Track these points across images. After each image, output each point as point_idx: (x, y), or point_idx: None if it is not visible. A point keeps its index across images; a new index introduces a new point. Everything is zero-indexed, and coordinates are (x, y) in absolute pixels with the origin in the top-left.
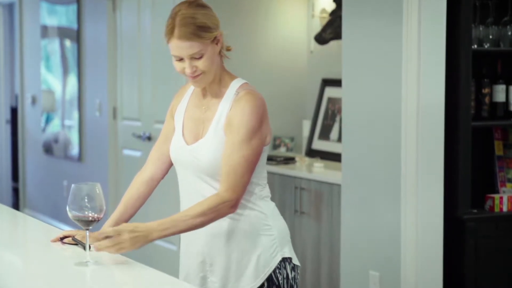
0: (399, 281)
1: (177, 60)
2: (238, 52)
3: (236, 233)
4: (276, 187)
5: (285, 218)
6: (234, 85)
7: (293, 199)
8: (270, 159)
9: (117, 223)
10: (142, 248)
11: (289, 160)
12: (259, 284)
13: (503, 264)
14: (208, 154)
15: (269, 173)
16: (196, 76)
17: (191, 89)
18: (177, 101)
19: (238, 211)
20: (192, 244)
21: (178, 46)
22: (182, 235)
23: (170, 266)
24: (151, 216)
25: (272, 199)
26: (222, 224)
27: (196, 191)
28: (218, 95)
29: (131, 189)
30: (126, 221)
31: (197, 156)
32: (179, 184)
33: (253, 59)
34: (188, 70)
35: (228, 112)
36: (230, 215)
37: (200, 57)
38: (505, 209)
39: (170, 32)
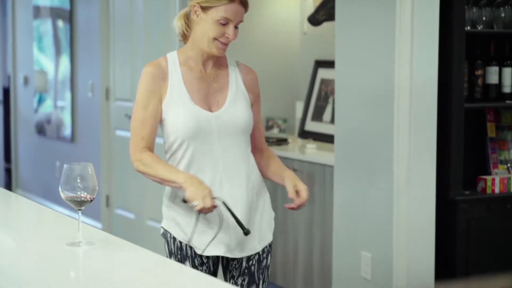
0: (391, 262)
1: (221, 24)
2: None
3: (258, 191)
4: None
5: (277, 199)
6: (228, 57)
7: None
8: None
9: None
10: (133, 228)
11: (281, 141)
12: (271, 238)
13: (494, 245)
14: (243, 113)
15: None
16: (228, 44)
17: (173, 66)
18: (162, 81)
19: (254, 168)
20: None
21: (237, 11)
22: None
23: (161, 247)
24: (146, 197)
25: (264, 180)
26: (248, 179)
27: (219, 154)
28: (221, 65)
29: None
30: None
31: (233, 116)
32: (194, 157)
33: (246, 40)
34: (231, 36)
35: (243, 80)
36: (252, 168)
37: (237, 27)
38: (497, 190)
39: None
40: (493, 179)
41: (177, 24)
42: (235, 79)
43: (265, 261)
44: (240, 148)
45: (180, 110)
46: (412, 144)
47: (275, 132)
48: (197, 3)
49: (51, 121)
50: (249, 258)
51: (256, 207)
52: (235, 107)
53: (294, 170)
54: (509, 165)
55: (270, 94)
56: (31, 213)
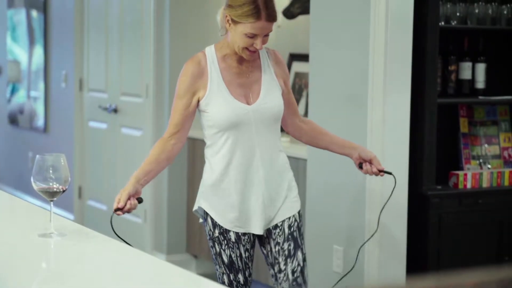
0: (363, 256)
1: (249, 37)
2: (208, 26)
3: (286, 168)
4: None
5: None
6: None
7: None
8: None
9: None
10: (105, 219)
11: None
12: (299, 207)
13: (465, 239)
14: (277, 103)
15: None
16: (256, 51)
17: (211, 62)
18: (199, 78)
19: (281, 152)
20: (252, 188)
21: (263, 27)
22: (240, 188)
23: (134, 238)
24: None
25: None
26: (278, 162)
27: (256, 142)
28: (254, 56)
29: (165, 151)
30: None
31: (268, 107)
32: (234, 146)
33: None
34: (259, 46)
35: (273, 67)
36: (279, 152)
37: (267, 35)
38: (469, 185)
39: (256, 15)
40: (465, 174)
41: (218, 19)
42: (267, 69)
43: (302, 228)
44: (273, 135)
45: (220, 104)
46: (385, 139)
47: None
48: (229, 14)
49: (24, 111)
50: (290, 225)
51: (282, 186)
52: (269, 98)
53: None
54: (481, 160)
55: None
56: (2, 203)
